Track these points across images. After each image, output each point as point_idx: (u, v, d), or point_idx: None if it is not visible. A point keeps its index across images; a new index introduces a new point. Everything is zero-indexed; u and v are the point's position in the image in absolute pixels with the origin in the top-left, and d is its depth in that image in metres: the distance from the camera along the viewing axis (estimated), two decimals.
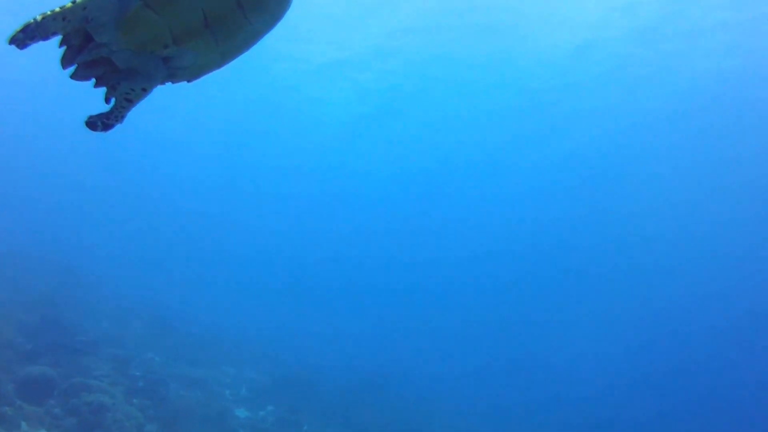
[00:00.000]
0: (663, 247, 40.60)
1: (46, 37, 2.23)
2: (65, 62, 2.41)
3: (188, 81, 2.67)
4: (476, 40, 28.56)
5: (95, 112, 2.61)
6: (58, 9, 2.24)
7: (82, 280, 23.04)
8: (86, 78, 2.48)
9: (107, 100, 2.56)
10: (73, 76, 2.47)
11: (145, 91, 2.53)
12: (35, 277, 20.28)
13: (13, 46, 2.17)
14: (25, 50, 2.24)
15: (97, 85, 2.52)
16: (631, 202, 39.74)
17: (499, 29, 27.40)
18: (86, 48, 2.38)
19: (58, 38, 2.35)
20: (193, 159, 50.30)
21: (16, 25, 2.16)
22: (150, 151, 49.19)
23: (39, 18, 2.18)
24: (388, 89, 35.10)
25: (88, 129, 2.55)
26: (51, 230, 33.07)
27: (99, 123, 2.54)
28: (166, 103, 36.90)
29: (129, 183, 48.96)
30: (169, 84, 2.68)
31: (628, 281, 42.96)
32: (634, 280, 42.70)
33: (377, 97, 36.13)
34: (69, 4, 2.26)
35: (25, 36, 2.17)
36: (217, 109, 41.16)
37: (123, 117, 2.57)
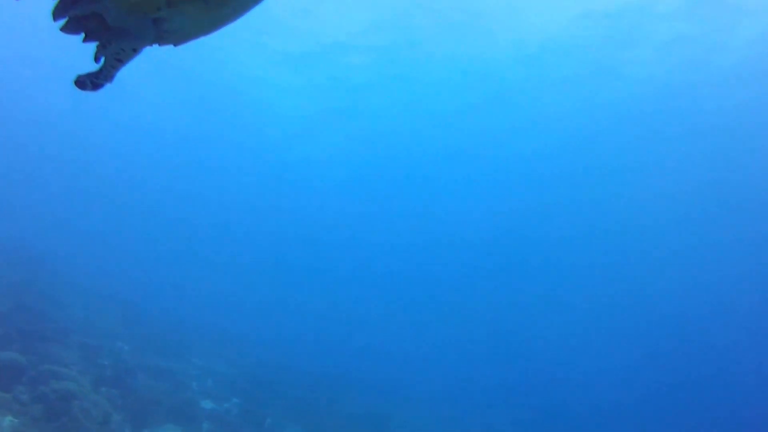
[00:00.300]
0: (635, 240, 41.64)
1: None
2: (57, 14, 2.34)
3: (174, 45, 2.61)
4: (446, 36, 28.50)
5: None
6: None
7: (54, 269, 22.66)
8: (76, 32, 2.41)
9: (96, 59, 2.50)
10: (63, 29, 2.42)
11: (135, 51, 2.47)
12: (7, 264, 19.81)
13: None
14: None
15: (86, 39, 2.46)
16: (596, 195, 40.44)
17: (468, 27, 27.43)
18: (80, 2, 2.32)
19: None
20: (162, 148, 48.94)
21: None
22: (119, 139, 47.75)
23: None
24: (356, 83, 34.61)
25: (77, 88, 2.50)
26: (23, 219, 32.50)
27: (88, 82, 2.49)
28: (132, 88, 36.36)
29: (100, 173, 48.15)
30: (146, 53, 2.61)
31: (597, 270, 44.14)
32: (604, 268, 43.87)
33: (345, 90, 35.62)
34: None
35: None
36: (182, 95, 40.17)
37: (112, 76, 2.52)
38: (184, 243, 45.23)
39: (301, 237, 51.24)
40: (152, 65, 32.87)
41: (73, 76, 2.60)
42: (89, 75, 2.50)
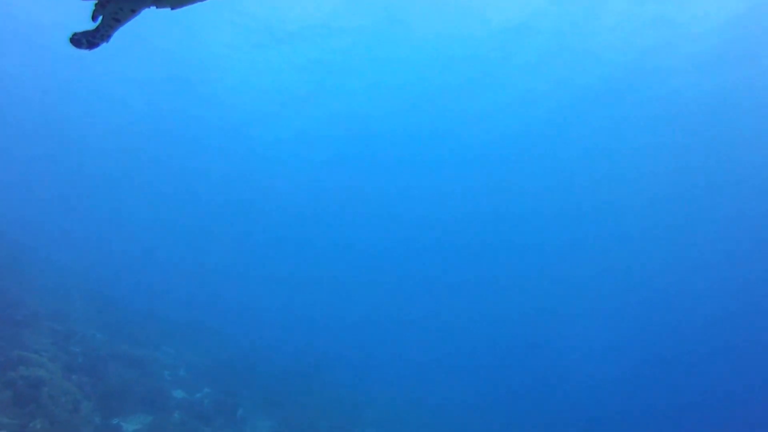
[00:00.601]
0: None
1: None
2: None
3: (171, 8, 2.57)
4: (427, 17, 28.34)
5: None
6: None
7: (26, 253, 22.23)
8: None
9: (94, 18, 2.43)
10: None
11: (133, 12, 2.42)
12: None
13: None
14: None
15: None
16: (571, 175, 40.40)
17: (449, 7, 27.32)
18: None
19: None
20: (143, 128, 47.59)
21: None
22: (92, 123, 46.57)
23: None
24: (336, 63, 34.13)
25: (72, 46, 2.42)
26: None
27: (84, 40, 2.41)
28: (112, 67, 35.59)
29: (73, 158, 47.25)
30: (136, 19, 2.54)
31: (574, 249, 44.51)
32: (579, 248, 44.21)
33: (326, 71, 35.11)
34: None
35: None
36: (160, 73, 39.09)
37: (109, 36, 2.45)
38: (159, 230, 44.64)
39: (280, 224, 50.78)
40: (134, 44, 32.31)
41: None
42: (85, 33, 2.42)
